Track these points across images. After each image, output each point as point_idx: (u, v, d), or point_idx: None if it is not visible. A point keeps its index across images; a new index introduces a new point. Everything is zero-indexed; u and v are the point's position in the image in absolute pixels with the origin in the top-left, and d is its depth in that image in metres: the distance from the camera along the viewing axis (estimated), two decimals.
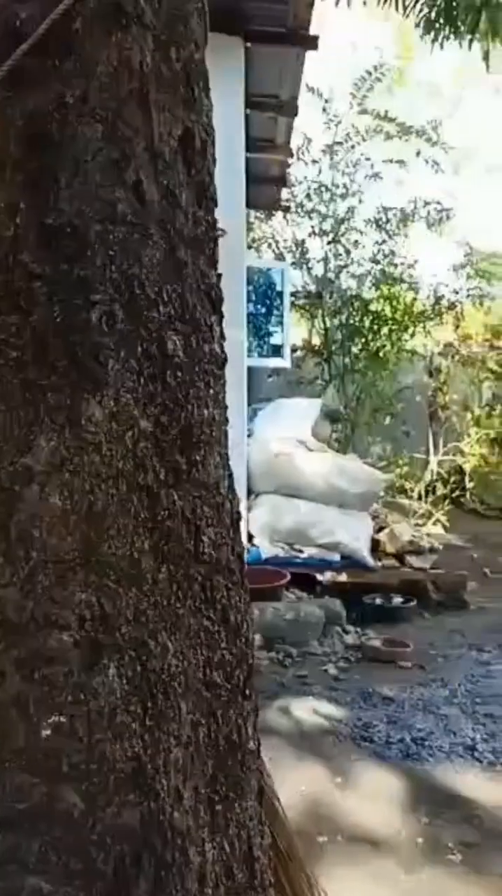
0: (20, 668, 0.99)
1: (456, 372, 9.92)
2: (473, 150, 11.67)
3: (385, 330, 8.92)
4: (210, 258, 1.32)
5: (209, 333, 1.25)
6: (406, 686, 3.78)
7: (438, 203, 8.66)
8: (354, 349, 9.06)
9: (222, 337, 1.31)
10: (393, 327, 8.96)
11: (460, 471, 8.76)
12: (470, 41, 5.39)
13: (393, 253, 9.07)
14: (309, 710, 3.44)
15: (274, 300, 7.32)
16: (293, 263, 9.06)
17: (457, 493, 8.54)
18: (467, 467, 8.68)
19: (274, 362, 7.23)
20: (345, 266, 9.18)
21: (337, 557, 5.42)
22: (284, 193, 8.70)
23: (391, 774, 2.85)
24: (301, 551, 5.40)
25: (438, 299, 9.26)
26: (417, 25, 5.53)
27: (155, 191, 1.23)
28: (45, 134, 1.09)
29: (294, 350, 10.42)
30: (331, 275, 9.20)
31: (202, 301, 1.26)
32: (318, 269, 9.15)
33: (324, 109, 8.46)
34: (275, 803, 1.52)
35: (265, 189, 8.20)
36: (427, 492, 8.51)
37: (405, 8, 5.38)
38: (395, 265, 9.14)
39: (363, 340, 8.96)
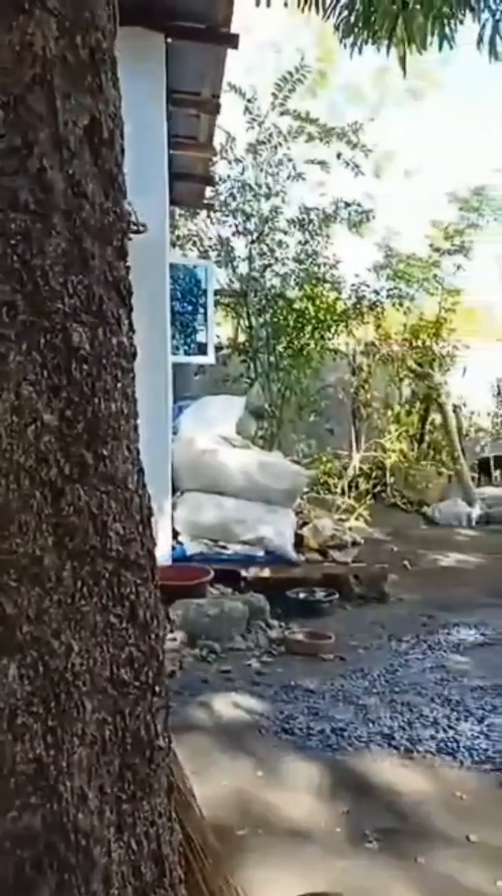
0: None
1: (377, 370, 10.12)
2: (393, 153, 11.92)
3: (308, 329, 9.02)
4: (118, 249, 1.29)
5: (117, 326, 1.23)
6: (327, 678, 3.83)
7: (358, 205, 8.80)
8: (279, 347, 9.13)
9: (131, 329, 1.29)
10: (317, 326, 9.08)
11: (381, 466, 8.95)
12: (388, 46, 5.50)
13: (315, 253, 9.19)
14: (231, 704, 3.44)
15: (198, 298, 7.31)
16: (218, 262, 9.06)
17: (379, 488, 8.72)
18: (388, 463, 8.87)
19: (198, 360, 7.21)
20: (270, 265, 9.24)
21: (261, 553, 5.45)
22: (209, 192, 8.70)
23: (311, 765, 2.88)
24: (225, 548, 5.41)
25: (359, 299, 9.43)
26: (336, 28, 5.61)
27: (59, 179, 1.20)
28: None
29: (220, 348, 10.45)
30: (255, 273, 9.26)
31: (110, 293, 1.23)
32: (243, 268, 9.18)
33: (246, 109, 8.49)
34: (190, 800, 1.52)
35: (189, 186, 8.17)
36: (350, 487, 8.66)
37: (325, 10, 5.45)
38: (318, 265, 9.26)
39: (287, 339, 9.04)
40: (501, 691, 3.65)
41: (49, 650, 0.99)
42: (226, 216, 8.96)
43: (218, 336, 10.60)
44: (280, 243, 9.14)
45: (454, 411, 10.20)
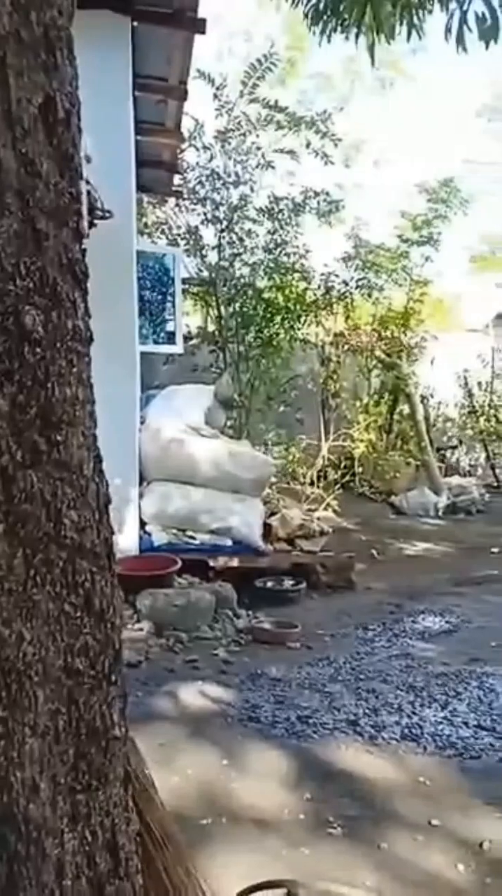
0: None
1: (347, 361, 10.16)
2: (363, 142, 11.93)
3: (278, 319, 9.01)
4: (74, 231, 1.26)
5: (72, 309, 1.21)
6: (293, 666, 3.84)
7: (327, 194, 8.79)
8: (248, 337, 9.10)
9: (87, 313, 1.27)
10: (286, 316, 9.07)
11: (349, 457, 8.99)
12: (357, 35, 5.49)
13: (285, 242, 9.16)
14: (198, 693, 3.44)
15: (167, 286, 7.25)
16: (187, 250, 9.00)
17: (348, 478, 8.76)
18: (356, 453, 8.91)
19: (167, 349, 7.16)
20: (239, 254, 9.20)
21: (229, 543, 5.44)
22: (177, 179, 8.62)
23: (276, 753, 2.89)
24: (193, 537, 5.39)
25: (328, 289, 9.44)
26: (306, 16, 5.58)
27: (11, 158, 1.17)
28: None
29: (190, 337, 10.40)
30: (224, 263, 9.21)
31: (64, 275, 1.21)
32: (212, 257, 9.13)
33: (215, 96, 8.42)
34: (150, 789, 1.50)
35: (157, 173, 8.09)
36: (319, 477, 8.69)
37: None
38: (288, 255, 9.24)
39: (256, 328, 9.02)
40: (464, 678, 3.70)
41: None
42: (195, 204, 8.89)
43: (187, 325, 10.56)
44: (249, 232, 9.10)
45: (422, 402, 10.29)
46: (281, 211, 9.01)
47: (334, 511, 7.99)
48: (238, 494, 5.56)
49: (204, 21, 4.97)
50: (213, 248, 9.06)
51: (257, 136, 8.68)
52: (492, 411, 10.60)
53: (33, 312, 1.12)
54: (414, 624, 4.68)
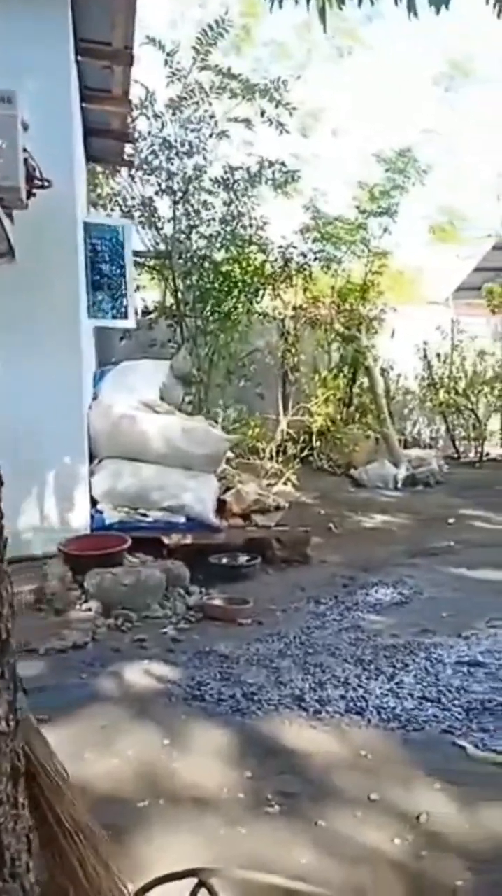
0: None
1: (306, 334, 10.09)
2: (320, 111, 11.76)
3: (235, 292, 8.90)
4: None
5: None
6: (243, 642, 3.82)
7: (282, 164, 8.64)
8: (206, 311, 8.98)
9: None
10: (243, 289, 8.96)
11: (308, 431, 8.96)
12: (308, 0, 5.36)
13: (241, 214, 9.02)
14: (143, 673, 3.39)
15: (118, 259, 7.08)
16: (141, 222, 8.82)
17: (307, 452, 8.74)
18: (314, 427, 8.89)
19: (119, 323, 7.00)
20: (195, 226, 9.03)
21: (182, 520, 5.38)
22: (129, 148, 8.41)
23: (219, 731, 2.86)
24: (146, 515, 5.31)
25: (286, 262, 9.33)
26: None
27: None
28: None
29: (148, 312, 10.24)
30: (180, 235, 9.05)
31: None
32: (168, 229, 8.95)
33: (166, 62, 8.20)
34: (59, 783, 1.45)
35: (106, 142, 7.89)
36: (278, 452, 8.65)
37: None
38: (245, 227, 9.10)
39: (214, 302, 8.90)
40: (412, 649, 3.71)
41: None
42: (149, 175, 8.69)
43: (143, 299, 10.39)
44: (205, 203, 8.94)
45: (382, 374, 10.29)
46: (236, 182, 8.86)
47: (293, 485, 7.97)
48: (191, 471, 5.49)
49: None
50: (169, 220, 8.90)
51: (210, 104, 8.50)
52: (452, 383, 10.64)
53: None
54: (366, 596, 4.69)
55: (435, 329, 10.60)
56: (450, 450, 10.86)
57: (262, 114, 8.69)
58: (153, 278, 10.13)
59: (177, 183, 8.76)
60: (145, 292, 10.55)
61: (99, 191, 9.80)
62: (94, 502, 5.28)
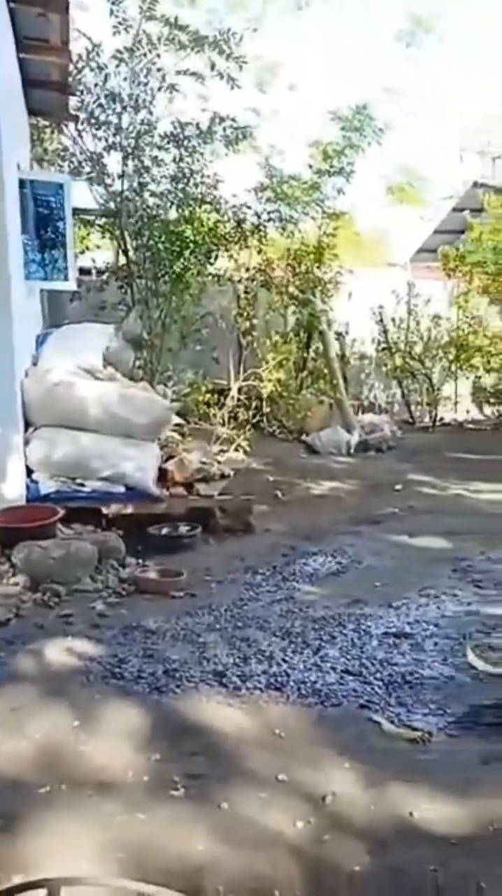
0: None
1: (261, 297, 9.91)
2: (277, 66, 11.41)
3: (187, 253, 8.67)
4: None
5: None
6: (172, 616, 3.74)
7: (233, 120, 8.36)
8: (158, 272, 8.75)
9: None
10: (195, 250, 8.74)
11: (260, 396, 8.85)
12: None
13: (192, 171, 8.74)
14: (64, 650, 3.29)
15: (58, 217, 6.81)
16: (90, 179, 8.52)
17: (259, 418, 8.64)
18: (264, 392, 8.77)
19: (57, 285, 6.78)
20: (146, 184, 8.75)
21: (122, 490, 5.26)
22: (75, 102, 8.06)
23: (135, 711, 2.78)
24: (83, 485, 5.19)
25: (239, 222, 9.11)
26: None
27: None
28: None
29: (100, 272, 9.96)
30: (130, 193, 8.76)
31: None
32: (118, 186, 8.66)
33: (111, 12, 7.84)
34: None
35: (48, 95, 7.54)
36: (230, 418, 8.54)
37: None
38: (197, 185, 8.84)
39: (165, 263, 8.67)
40: (342, 621, 3.67)
41: None
42: (97, 129, 8.35)
43: (93, 260, 10.10)
44: (156, 160, 8.66)
45: (337, 338, 10.18)
46: (187, 138, 8.57)
47: (245, 452, 7.87)
48: (131, 439, 5.36)
49: None
50: (119, 178, 8.61)
51: (159, 56, 8.17)
52: (407, 348, 10.57)
53: None
54: (304, 566, 4.63)
55: (391, 293, 10.47)
56: (406, 415, 10.84)
57: (213, 67, 8.39)
58: (104, 237, 9.83)
59: (126, 139, 8.46)
60: (97, 252, 10.26)
61: (45, 146, 9.45)
62: (29, 472, 5.13)
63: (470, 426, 10.55)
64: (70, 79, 7.56)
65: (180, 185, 8.75)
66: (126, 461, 5.25)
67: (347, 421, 9.00)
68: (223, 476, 5.98)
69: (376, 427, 9.04)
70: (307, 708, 2.83)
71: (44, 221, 6.44)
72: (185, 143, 8.57)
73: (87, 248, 10.03)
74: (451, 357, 10.40)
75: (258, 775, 2.40)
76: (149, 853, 2.02)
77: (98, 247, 10.31)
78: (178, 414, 8.26)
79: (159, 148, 8.60)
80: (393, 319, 10.59)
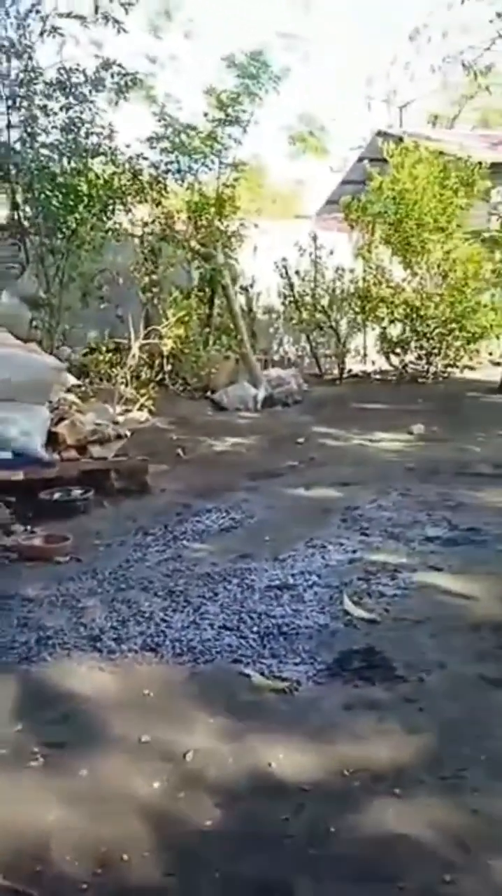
0: None
1: (163, 252, 9.67)
2: (173, 10, 10.97)
3: (81, 207, 8.35)
4: None
5: None
6: (53, 582, 3.64)
7: (120, 66, 8.01)
8: (52, 228, 8.40)
9: None
10: (91, 204, 8.42)
11: (162, 354, 8.70)
12: None
13: (83, 121, 8.36)
14: None
15: None
16: None
17: (161, 376, 8.49)
18: (165, 350, 8.62)
19: None
20: (34, 135, 8.33)
21: (9, 455, 5.07)
22: None
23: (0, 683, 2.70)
24: None
25: (135, 174, 8.81)
26: None
27: None
28: None
29: None
30: (17, 145, 8.34)
31: None
32: (3, 137, 8.22)
33: None
34: None
35: None
36: (134, 377, 8.36)
37: None
38: (89, 135, 8.47)
39: (59, 218, 8.33)
40: (227, 576, 3.65)
41: None
42: None
43: None
44: (44, 108, 8.24)
45: (243, 292, 10.06)
46: (75, 85, 8.18)
47: (150, 411, 7.73)
48: (16, 402, 5.15)
49: None
50: (7, 129, 8.17)
51: None
52: (314, 301, 10.53)
53: None
54: (196, 524, 4.59)
55: (293, 245, 10.37)
56: (315, 368, 10.87)
57: (96, 10, 7.99)
58: None
59: (10, 87, 8.02)
60: None
61: None
62: None
63: (377, 377, 10.67)
64: None
65: (71, 136, 8.38)
66: (10, 425, 5.06)
67: (254, 376, 8.96)
68: (119, 437, 5.84)
69: (283, 381, 9.03)
70: (180, 667, 2.80)
71: None
72: (74, 90, 8.19)
73: None
74: (357, 309, 10.42)
75: (121, 738, 2.36)
76: None
77: None
78: (81, 374, 8.05)
79: (47, 96, 8.19)
80: (297, 272, 10.51)
